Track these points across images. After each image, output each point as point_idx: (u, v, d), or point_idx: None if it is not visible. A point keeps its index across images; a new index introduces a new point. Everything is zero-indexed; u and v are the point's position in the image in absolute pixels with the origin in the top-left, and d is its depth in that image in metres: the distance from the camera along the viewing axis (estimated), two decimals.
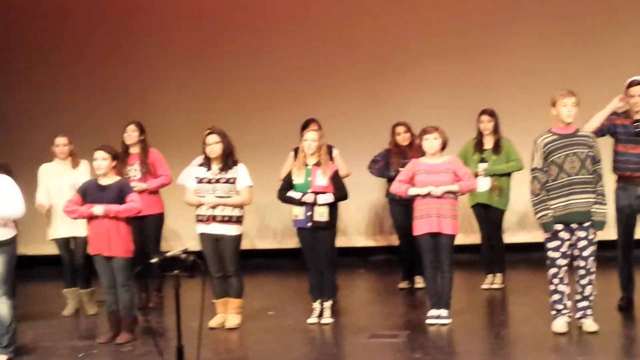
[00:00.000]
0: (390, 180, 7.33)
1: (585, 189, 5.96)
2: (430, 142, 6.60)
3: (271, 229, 10.12)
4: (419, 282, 8.05)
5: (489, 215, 7.85)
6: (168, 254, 4.95)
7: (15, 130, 10.23)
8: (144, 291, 7.72)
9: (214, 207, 6.69)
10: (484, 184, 7.65)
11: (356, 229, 10.01)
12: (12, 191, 6.06)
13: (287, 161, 7.80)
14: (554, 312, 6.14)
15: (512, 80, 9.56)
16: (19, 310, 6.47)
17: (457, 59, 9.66)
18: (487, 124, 7.79)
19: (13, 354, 6.17)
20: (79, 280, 7.66)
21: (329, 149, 7.46)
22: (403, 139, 7.89)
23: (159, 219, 7.73)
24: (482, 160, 7.70)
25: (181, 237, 9.80)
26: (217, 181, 6.73)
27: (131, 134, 7.56)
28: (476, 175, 7.56)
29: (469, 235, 8.96)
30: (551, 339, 6.00)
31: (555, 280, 6.08)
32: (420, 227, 6.61)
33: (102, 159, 6.43)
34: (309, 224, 6.74)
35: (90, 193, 6.47)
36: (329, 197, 6.71)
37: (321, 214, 6.71)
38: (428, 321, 6.64)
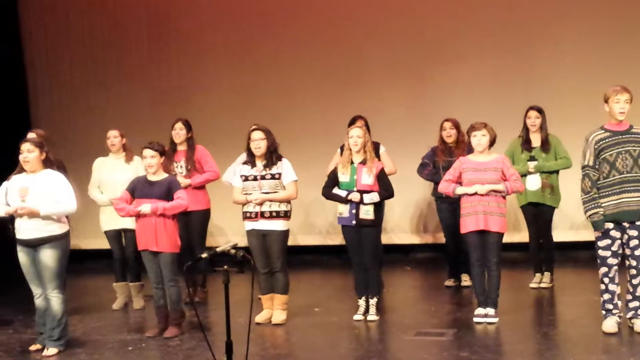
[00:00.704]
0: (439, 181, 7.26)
1: (637, 187, 5.84)
2: (479, 139, 6.54)
3: (316, 225, 10.13)
4: (466, 280, 7.99)
5: (540, 213, 7.74)
6: (218, 249, 4.97)
7: (63, 128, 10.37)
8: (190, 286, 7.79)
9: (260, 203, 6.72)
10: (535, 183, 7.54)
11: (401, 226, 9.96)
12: (65, 188, 6.17)
13: (334, 158, 7.79)
14: (604, 312, 6.05)
15: (560, 76, 9.42)
16: (69, 303, 6.57)
17: (505, 54, 9.54)
18: (535, 120, 7.68)
19: (64, 347, 6.30)
20: (129, 274, 7.77)
21: (376, 146, 7.44)
22: (448, 135, 7.83)
23: (204, 214, 7.79)
24: (532, 159, 7.60)
25: (227, 232, 9.87)
26: (263, 177, 6.76)
27: (179, 132, 7.64)
28: (526, 174, 7.48)
29: (517, 233, 8.88)
30: (601, 340, 5.92)
31: (606, 280, 5.98)
32: (467, 225, 6.56)
33: (150, 157, 6.52)
34: (354, 222, 6.73)
35: (139, 189, 6.56)
36: (375, 197, 6.70)
37: (367, 212, 6.70)
38: (475, 319, 6.60)
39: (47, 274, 6.15)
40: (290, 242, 7.04)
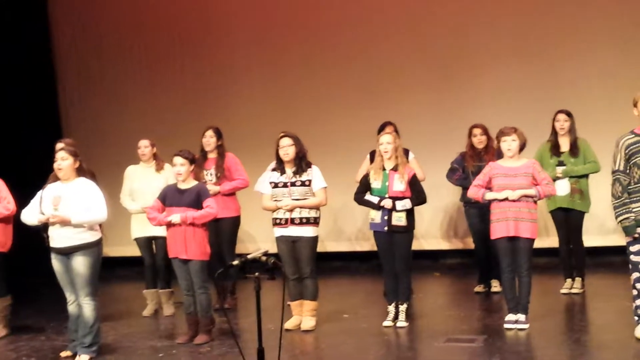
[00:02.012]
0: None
1: None
2: (509, 144, 6.50)
3: (345, 232, 10.12)
4: (495, 285, 7.95)
5: (570, 219, 7.69)
6: (249, 256, 4.98)
7: (94, 137, 10.47)
8: (220, 293, 7.83)
9: (290, 210, 6.75)
10: (564, 188, 7.47)
11: (430, 232, 9.93)
12: (97, 196, 6.23)
13: (363, 164, 7.79)
14: (636, 318, 5.97)
15: (588, 80, 9.34)
16: (100, 310, 6.62)
17: (533, 59, 9.48)
18: (563, 123, 7.63)
19: (96, 353, 6.35)
20: (159, 281, 7.83)
21: (405, 152, 7.43)
22: (479, 141, 7.81)
23: (234, 222, 7.82)
24: (560, 164, 7.53)
25: (256, 239, 9.90)
26: (293, 184, 6.79)
27: (209, 140, 7.67)
28: (555, 179, 7.42)
29: (547, 238, 8.80)
30: (634, 346, 5.84)
31: (638, 285, 5.90)
32: (497, 231, 6.53)
33: (180, 165, 6.57)
34: (386, 228, 6.73)
35: (169, 197, 6.62)
36: (407, 204, 6.69)
37: (399, 219, 6.70)
38: (506, 326, 6.56)
39: (79, 281, 6.22)
40: (319, 249, 7.05)
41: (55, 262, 6.26)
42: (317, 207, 6.83)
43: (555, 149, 7.65)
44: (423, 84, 9.82)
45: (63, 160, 6.20)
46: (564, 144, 7.65)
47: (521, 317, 6.55)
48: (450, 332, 6.62)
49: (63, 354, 6.49)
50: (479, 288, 8.12)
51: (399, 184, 6.69)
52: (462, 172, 7.84)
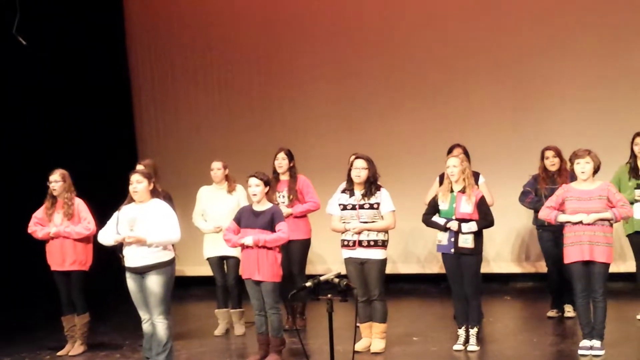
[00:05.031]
0: None
1: None
2: (582, 166, 6.41)
3: (415, 254, 10.07)
4: (569, 311, 7.81)
5: None
6: (322, 278, 5.03)
7: (169, 158, 10.66)
8: (290, 314, 7.89)
9: (359, 232, 6.78)
10: None
11: (501, 255, 9.80)
12: (171, 217, 6.37)
13: (433, 187, 7.78)
14: None
15: None
16: (173, 329, 6.73)
17: (611, 81, 9.30)
18: None
19: None
20: (231, 300, 7.94)
21: (476, 176, 7.37)
22: (551, 163, 7.70)
23: (305, 244, 7.86)
24: (639, 187, 7.37)
25: (327, 260, 9.93)
26: (361, 207, 6.82)
27: (282, 162, 7.75)
28: (633, 202, 7.26)
29: (622, 263, 8.60)
30: None
31: None
32: (571, 255, 6.43)
33: (255, 186, 6.67)
34: (452, 250, 6.70)
35: (244, 218, 6.72)
36: (473, 226, 6.65)
37: (465, 241, 6.66)
38: (580, 352, 6.45)
39: (152, 299, 6.34)
40: (388, 270, 7.05)
41: (130, 281, 6.41)
42: (385, 230, 6.84)
43: (634, 171, 7.49)
44: (493, 107, 9.72)
45: (138, 183, 6.37)
46: None
47: (596, 343, 6.42)
48: (522, 357, 6.54)
49: None
50: (552, 313, 7.98)
51: (466, 206, 6.66)
52: (535, 194, 7.74)
